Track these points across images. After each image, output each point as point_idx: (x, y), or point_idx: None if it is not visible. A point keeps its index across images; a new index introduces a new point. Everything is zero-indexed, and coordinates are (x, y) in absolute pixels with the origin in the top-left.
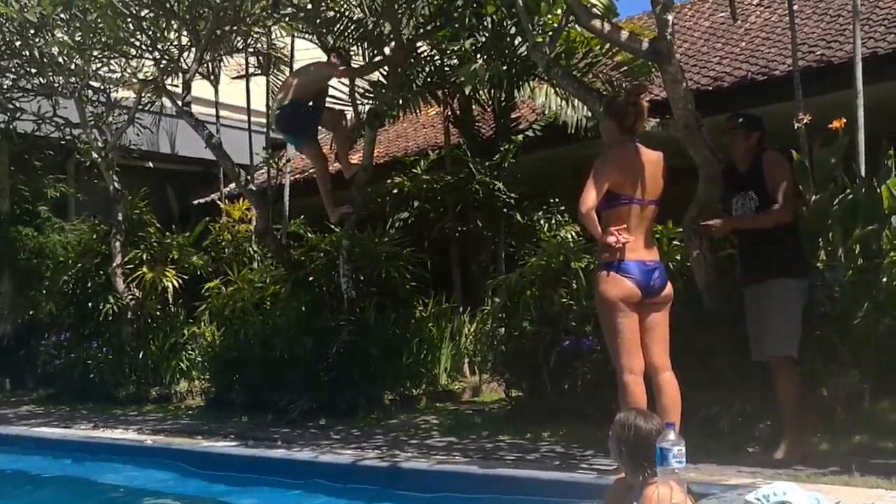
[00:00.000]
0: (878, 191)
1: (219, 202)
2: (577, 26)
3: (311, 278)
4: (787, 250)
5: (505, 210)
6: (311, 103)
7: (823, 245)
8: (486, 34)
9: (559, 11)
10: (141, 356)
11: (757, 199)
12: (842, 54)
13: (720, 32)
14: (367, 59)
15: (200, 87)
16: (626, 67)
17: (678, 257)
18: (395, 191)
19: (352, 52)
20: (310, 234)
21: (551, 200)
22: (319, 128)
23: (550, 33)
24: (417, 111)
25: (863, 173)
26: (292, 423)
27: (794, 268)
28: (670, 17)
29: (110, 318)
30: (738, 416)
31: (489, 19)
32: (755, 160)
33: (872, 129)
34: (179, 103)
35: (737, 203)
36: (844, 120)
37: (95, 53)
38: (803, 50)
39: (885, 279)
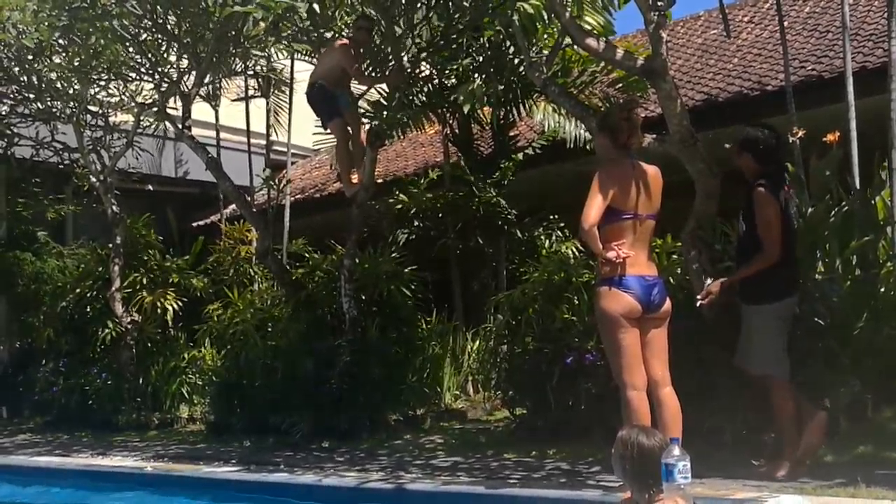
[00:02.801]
0: (873, 202)
1: (220, 224)
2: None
3: (312, 299)
4: (767, 277)
5: (505, 227)
6: (334, 89)
7: (821, 256)
8: (485, 54)
9: (555, 31)
10: (140, 381)
11: (743, 224)
12: (832, 69)
13: (713, 49)
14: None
15: (200, 110)
16: (621, 84)
17: (678, 271)
18: (397, 209)
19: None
20: (311, 255)
21: (551, 216)
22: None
23: (547, 52)
24: (418, 130)
25: (857, 185)
26: (295, 447)
27: (775, 292)
28: (664, 35)
29: (109, 343)
30: (741, 427)
31: (487, 40)
32: (750, 186)
33: (864, 141)
34: (179, 126)
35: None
36: (838, 133)
37: (94, 77)
38: (794, 65)
39: (882, 289)
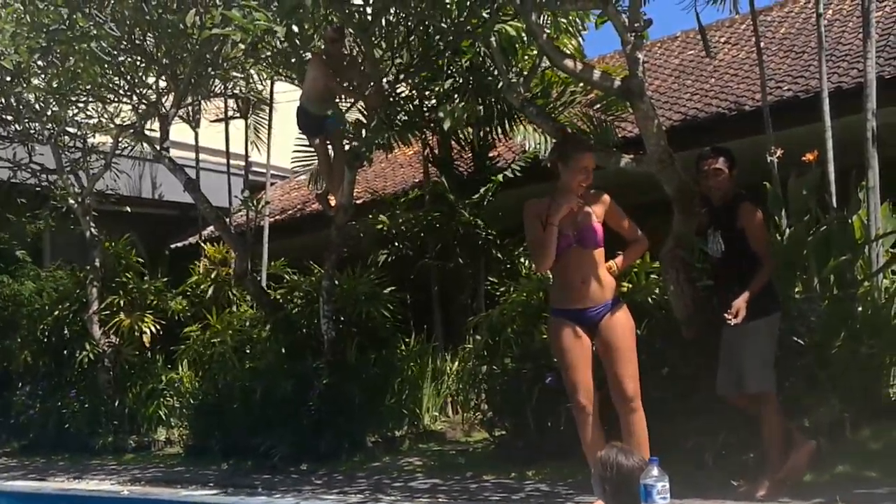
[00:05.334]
0: (850, 221)
1: (203, 244)
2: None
3: (291, 320)
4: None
5: (485, 247)
6: (318, 109)
7: (799, 276)
8: (465, 76)
9: (534, 52)
10: (118, 404)
11: (723, 242)
12: (808, 89)
13: (690, 69)
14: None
15: (180, 131)
16: (600, 105)
17: (657, 290)
18: (376, 229)
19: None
20: (290, 276)
21: None
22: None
23: (524, 73)
24: (398, 150)
25: (835, 204)
26: (273, 469)
27: (766, 306)
28: (641, 56)
29: (87, 366)
30: (722, 447)
31: (467, 62)
32: (731, 203)
33: (841, 160)
34: (158, 147)
35: (709, 237)
36: (816, 152)
37: (73, 99)
38: (771, 85)
39: (860, 308)
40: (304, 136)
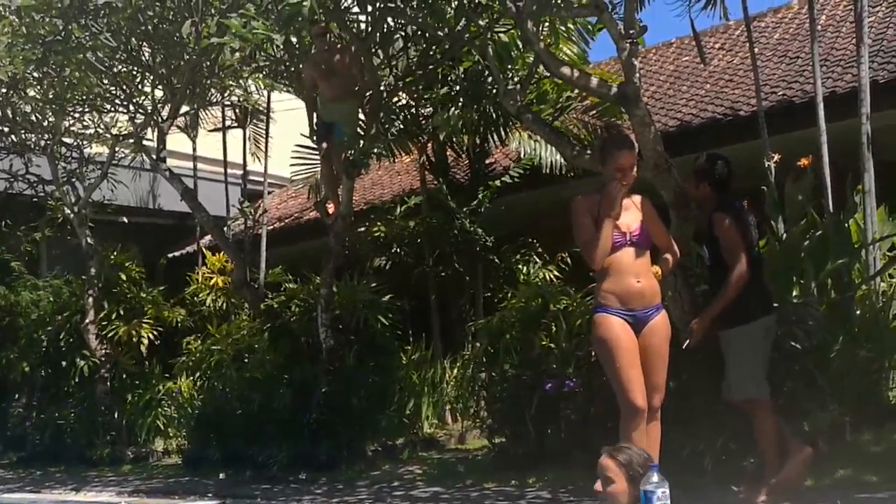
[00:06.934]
0: (847, 225)
1: (204, 250)
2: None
3: (289, 328)
4: (737, 299)
5: (483, 254)
6: (329, 117)
7: (796, 280)
8: (461, 83)
9: (530, 59)
10: (115, 415)
11: (709, 255)
12: (802, 94)
13: (685, 75)
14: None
15: (177, 140)
16: (595, 111)
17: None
18: (374, 236)
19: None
20: (288, 284)
21: (530, 240)
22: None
23: (519, 80)
24: (393, 159)
25: (831, 208)
26: (272, 479)
27: (746, 313)
28: (636, 62)
29: (84, 377)
30: (721, 452)
31: (464, 70)
32: (711, 212)
33: (836, 164)
34: (154, 157)
35: (701, 249)
36: (811, 157)
37: (69, 109)
38: (765, 91)
39: (858, 311)
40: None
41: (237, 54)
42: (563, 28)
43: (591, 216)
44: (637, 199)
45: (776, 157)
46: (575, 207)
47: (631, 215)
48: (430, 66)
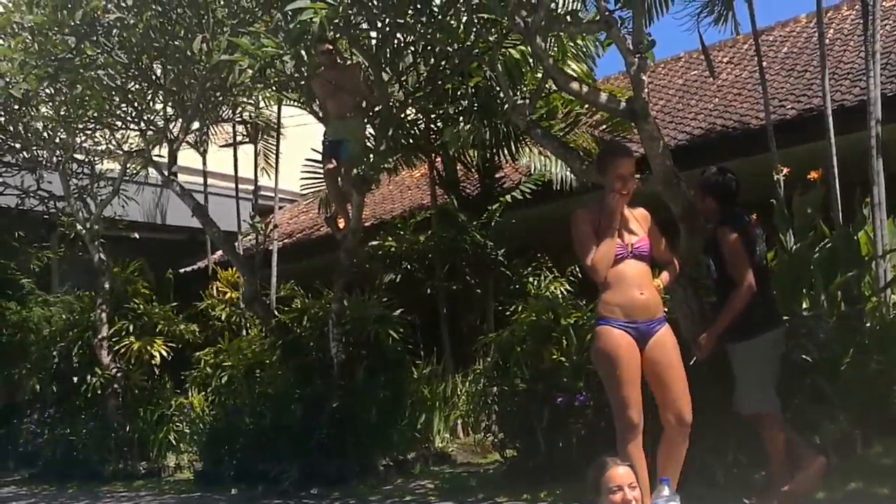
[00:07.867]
0: (856, 237)
1: (207, 269)
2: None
3: (300, 343)
4: (743, 313)
5: (493, 268)
6: (338, 135)
7: (806, 292)
8: (471, 99)
9: (540, 75)
10: (127, 430)
11: (715, 268)
12: (811, 107)
13: (694, 89)
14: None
15: (188, 156)
16: (605, 126)
17: (665, 309)
18: (384, 251)
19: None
20: (300, 299)
21: (539, 255)
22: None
23: (528, 96)
24: (404, 173)
25: (840, 221)
26: (284, 494)
27: (752, 327)
28: (645, 78)
29: (96, 392)
30: (732, 465)
31: (474, 85)
32: (717, 226)
33: (845, 177)
34: (166, 173)
35: (707, 261)
36: (821, 170)
37: (80, 126)
38: (774, 104)
39: (868, 324)
40: (317, 158)
41: (249, 71)
42: (571, 44)
43: (592, 227)
44: (639, 212)
45: (785, 170)
46: (575, 219)
47: (632, 227)
48: (440, 82)
